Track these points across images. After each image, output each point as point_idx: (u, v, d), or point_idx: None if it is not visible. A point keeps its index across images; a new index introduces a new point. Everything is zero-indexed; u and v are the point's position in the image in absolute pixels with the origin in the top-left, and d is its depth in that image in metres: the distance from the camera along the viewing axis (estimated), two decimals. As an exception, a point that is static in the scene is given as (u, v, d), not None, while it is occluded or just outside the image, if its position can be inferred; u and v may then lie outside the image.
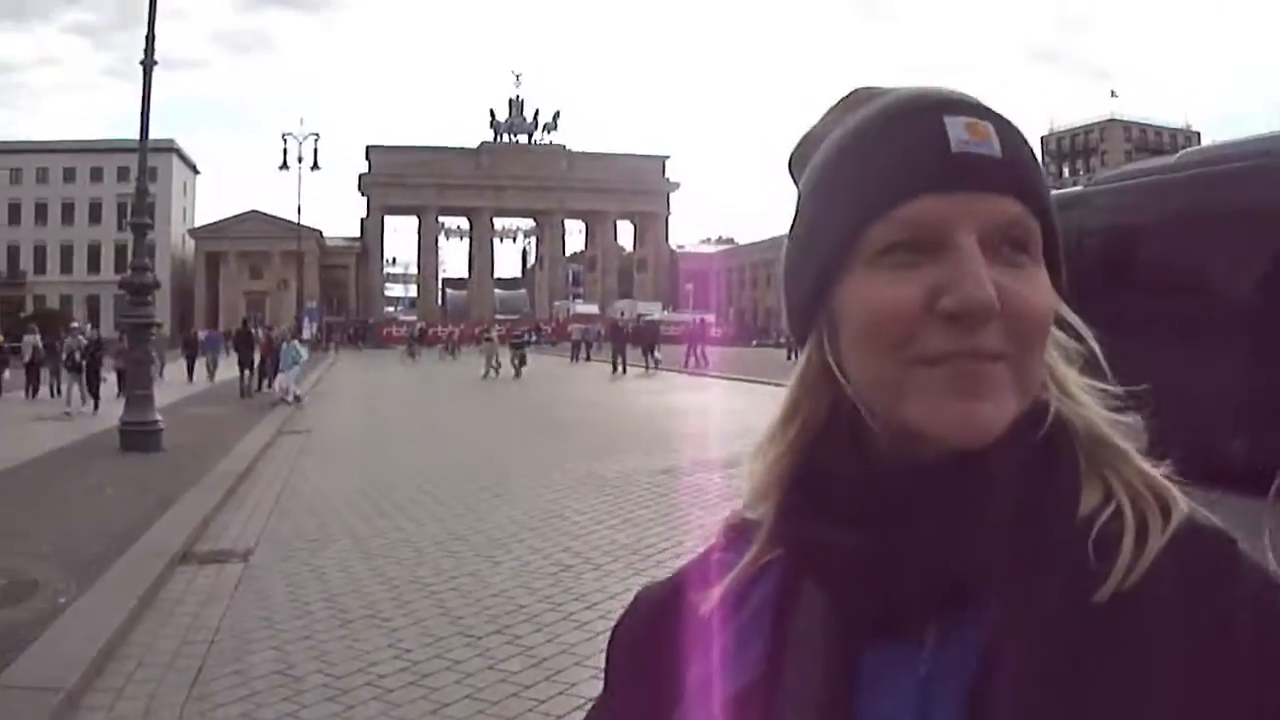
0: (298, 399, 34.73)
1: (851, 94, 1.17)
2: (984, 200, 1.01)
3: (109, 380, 32.87)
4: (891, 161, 1.04)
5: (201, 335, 57.51)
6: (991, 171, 1.02)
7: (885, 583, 1.02)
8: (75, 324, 39.29)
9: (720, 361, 51.55)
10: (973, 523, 1.00)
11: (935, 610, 1.02)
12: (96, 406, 31.08)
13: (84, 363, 32.72)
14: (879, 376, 1.03)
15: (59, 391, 33.22)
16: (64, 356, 34.38)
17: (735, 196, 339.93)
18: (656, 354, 55.62)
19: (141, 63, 21.81)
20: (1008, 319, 0.99)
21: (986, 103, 1.08)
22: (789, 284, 1.16)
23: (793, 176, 1.20)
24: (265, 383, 38.94)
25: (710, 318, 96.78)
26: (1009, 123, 1.07)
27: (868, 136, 1.08)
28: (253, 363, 42.11)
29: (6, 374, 40.33)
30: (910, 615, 1.03)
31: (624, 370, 52.03)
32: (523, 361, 53.10)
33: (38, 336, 38.89)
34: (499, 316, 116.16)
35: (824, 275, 1.08)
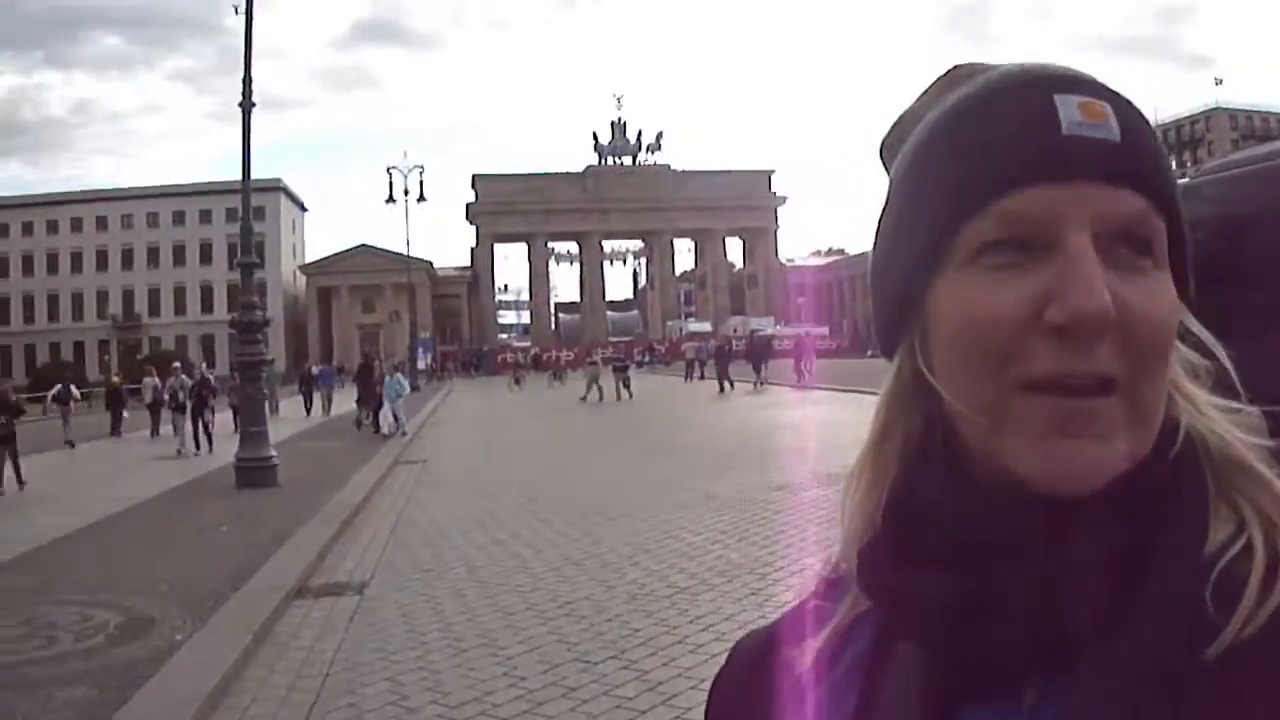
0: (404, 433, 34.43)
1: (951, 70, 1.02)
2: (1100, 192, 0.87)
3: (214, 419, 33.24)
4: (992, 146, 0.90)
5: (315, 370, 57.75)
6: (1110, 158, 0.87)
7: (978, 637, 0.88)
8: (177, 364, 38.66)
9: (831, 374, 51.03)
10: (1080, 571, 0.86)
11: (1036, 668, 0.88)
12: (210, 446, 30.95)
13: (189, 403, 32.70)
14: (975, 399, 0.89)
15: (177, 431, 32.57)
16: (167, 397, 34.86)
17: (844, 206, 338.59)
18: (764, 370, 55.11)
19: (240, 104, 22.14)
20: (1125, 334, 0.85)
21: (1103, 81, 0.93)
22: (875, 285, 1.03)
23: (884, 164, 1.06)
24: (368, 416, 38.20)
25: (821, 330, 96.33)
26: (1129, 103, 0.92)
27: (966, 118, 0.94)
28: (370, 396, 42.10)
29: (126, 414, 41.13)
30: (1008, 673, 0.89)
31: (731, 387, 51.69)
32: (626, 384, 52.40)
33: (156, 378, 39.32)
34: (612, 339, 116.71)
35: (914, 276, 0.95)
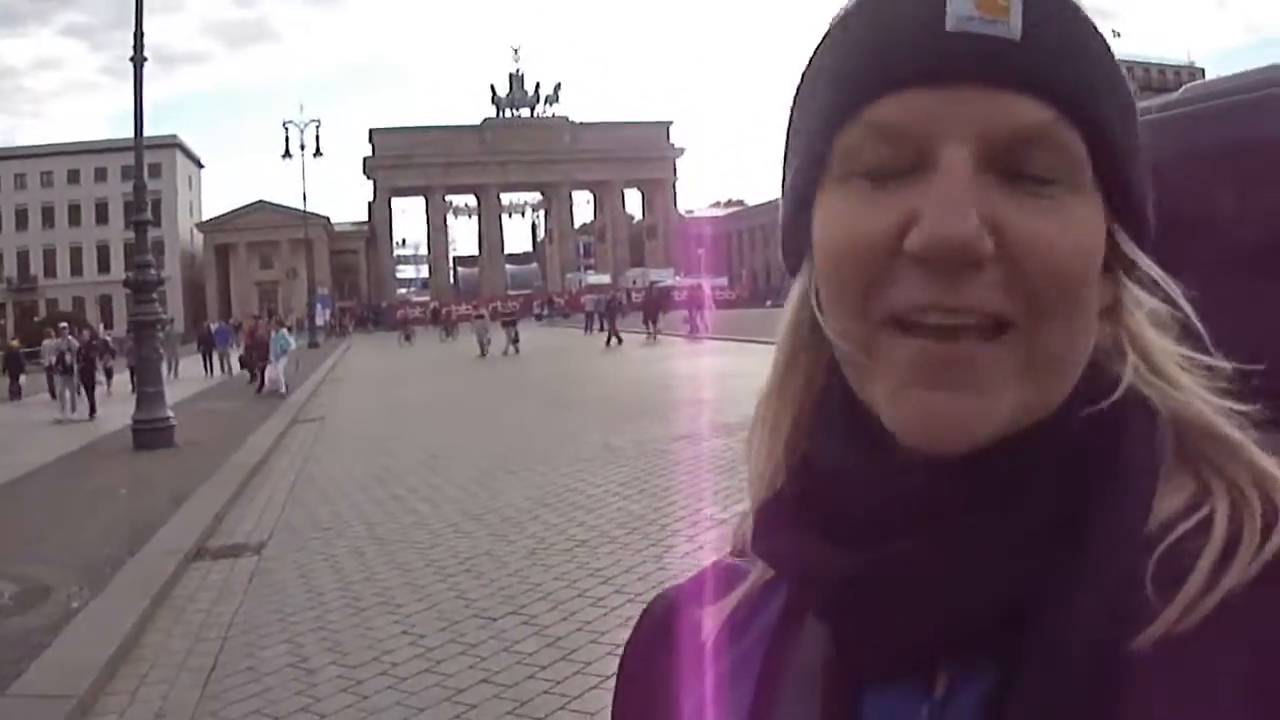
0: (284, 390, 33.58)
1: None
2: (988, 98, 0.74)
3: (109, 382, 33.25)
4: (870, 45, 0.79)
5: (213, 328, 55.48)
6: (1002, 58, 0.74)
7: (879, 616, 0.78)
8: (64, 325, 38.13)
9: (729, 325, 50.92)
10: (990, 542, 0.76)
11: (948, 650, 0.78)
12: (93, 411, 30.29)
13: (76, 366, 31.79)
14: (845, 337, 0.79)
15: (56, 396, 31.95)
16: (53, 360, 33.82)
17: (743, 158, 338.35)
18: (657, 323, 54.61)
19: (132, 59, 21.78)
20: (1011, 267, 0.73)
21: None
22: (781, 204, 0.89)
23: None
24: (255, 375, 37.22)
25: (720, 281, 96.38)
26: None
27: (855, 13, 0.81)
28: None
29: (24, 378, 40.54)
30: (915, 656, 0.79)
31: (619, 341, 51.01)
32: (515, 340, 51.24)
33: (57, 340, 38.87)
34: (510, 292, 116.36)
35: (799, 195, 0.84)
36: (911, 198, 0.74)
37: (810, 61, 0.86)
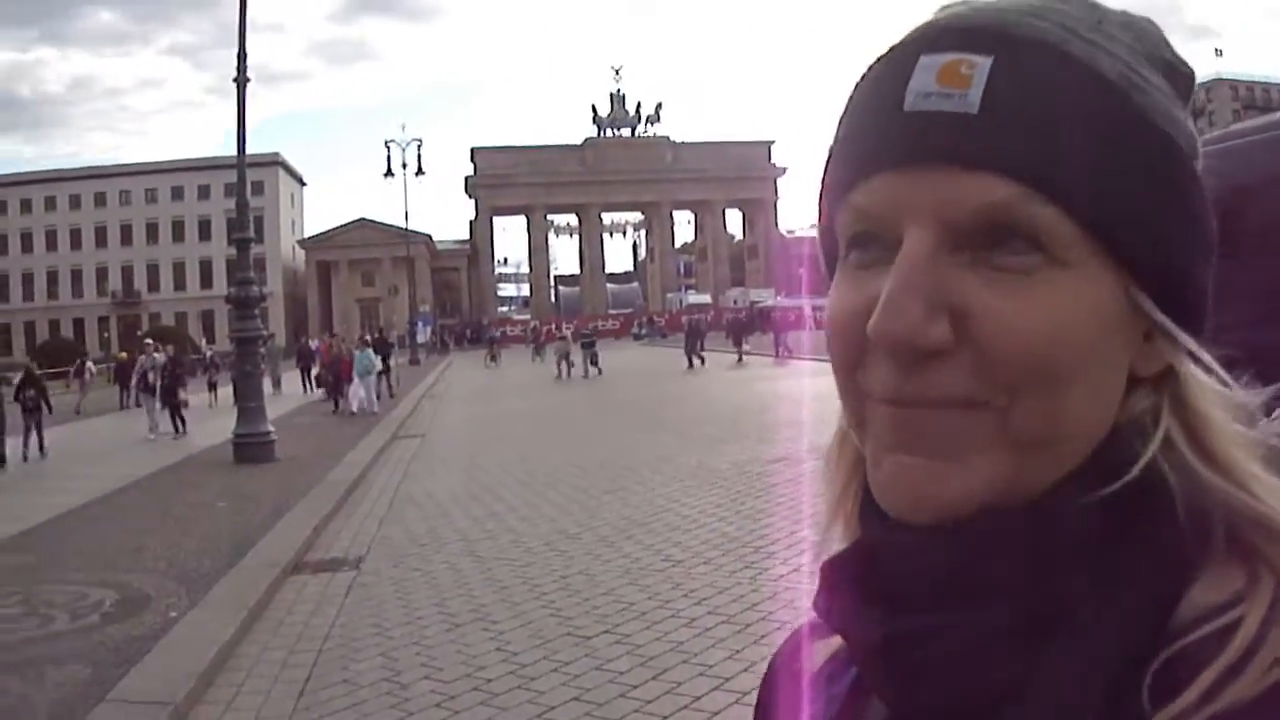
0: (374, 412, 32.77)
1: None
2: (947, 178, 0.73)
3: (211, 395, 33.38)
4: (852, 130, 0.80)
5: (314, 344, 54.61)
6: (957, 134, 0.72)
7: (904, 681, 0.77)
8: (149, 341, 36.77)
9: (821, 346, 50.52)
10: (978, 625, 0.74)
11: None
12: (177, 430, 29.35)
13: (159, 384, 30.46)
14: (846, 407, 0.82)
15: (150, 413, 30.80)
16: (136, 378, 33.27)
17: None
18: (746, 345, 54.04)
19: (235, 79, 22.12)
20: (977, 351, 0.72)
21: (1019, 20, 0.75)
22: None
23: None
24: (334, 397, 36.05)
25: (819, 302, 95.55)
26: (1038, 44, 0.74)
27: (854, 93, 0.82)
28: (388, 368, 43.00)
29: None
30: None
31: (702, 364, 50.14)
32: (594, 360, 49.67)
33: (153, 355, 39.88)
34: (612, 311, 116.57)
35: (826, 271, 0.87)
36: (881, 282, 0.73)
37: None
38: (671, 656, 8.19)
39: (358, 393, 33.64)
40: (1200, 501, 0.74)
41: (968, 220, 0.72)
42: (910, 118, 0.74)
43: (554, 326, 76.22)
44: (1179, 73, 0.79)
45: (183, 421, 29.74)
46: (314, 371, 41.88)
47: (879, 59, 0.80)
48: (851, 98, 0.82)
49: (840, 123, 0.83)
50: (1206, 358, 0.76)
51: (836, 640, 0.90)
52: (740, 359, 52.29)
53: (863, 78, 0.81)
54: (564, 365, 49.75)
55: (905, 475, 0.74)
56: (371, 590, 11.03)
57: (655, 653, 8.31)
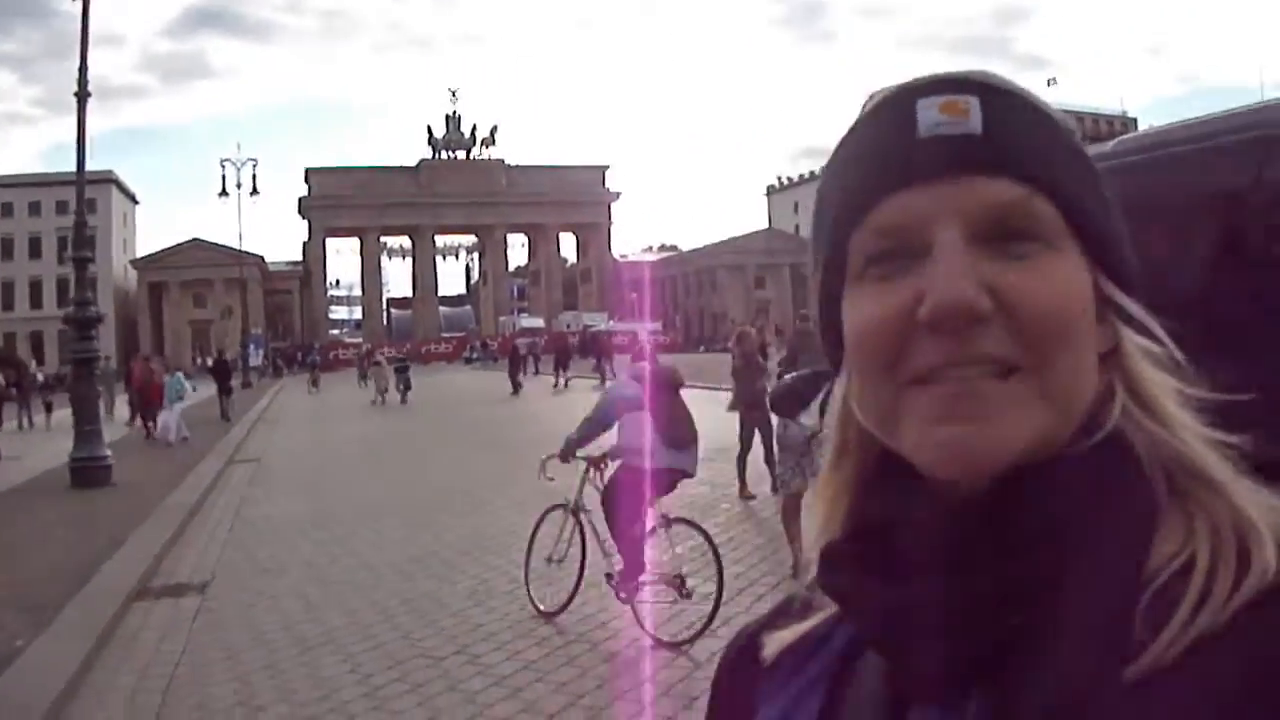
0: (185, 439, 30.18)
1: (868, 99, 1.00)
2: (965, 186, 0.89)
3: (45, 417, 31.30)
4: (863, 161, 0.95)
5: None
6: (970, 151, 0.90)
7: (914, 643, 0.90)
8: None
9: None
10: (990, 578, 0.87)
11: (979, 674, 0.87)
12: None
13: None
14: (876, 405, 0.94)
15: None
16: None
17: (677, 203, 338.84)
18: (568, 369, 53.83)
19: (75, 94, 21.76)
20: (1009, 320, 0.87)
21: (987, 76, 0.95)
22: (816, 309, 1.04)
23: None
24: (146, 423, 34.12)
25: (653, 326, 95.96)
26: (1008, 92, 0.94)
27: (848, 137, 0.99)
28: (228, 390, 42.88)
29: None
30: (945, 679, 0.89)
31: (520, 388, 49.93)
32: (407, 386, 49.03)
33: None
34: (445, 334, 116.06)
35: (827, 292, 1.00)
36: (916, 281, 0.88)
37: (822, 177, 1.02)
38: (526, 675, 8.35)
39: (167, 421, 31.50)
40: (1153, 457, 0.91)
41: (985, 217, 0.89)
42: (927, 142, 0.91)
43: (376, 351, 74.16)
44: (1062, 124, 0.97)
45: None
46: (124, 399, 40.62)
47: (869, 111, 0.98)
48: (843, 146, 0.99)
49: (832, 170, 1.00)
50: (1141, 314, 0.95)
51: (793, 632, 1.06)
52: (563, 384, 51.76)
53: (851, 130, 0.99)
54: (381, 390, 49.26)
55: (958, 441, 0.87)
56: (219, 615, 10.99)
57: (508, 672, 8.46)
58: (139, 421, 35.03)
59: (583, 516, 10.25)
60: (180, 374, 34.17)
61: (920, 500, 0.92)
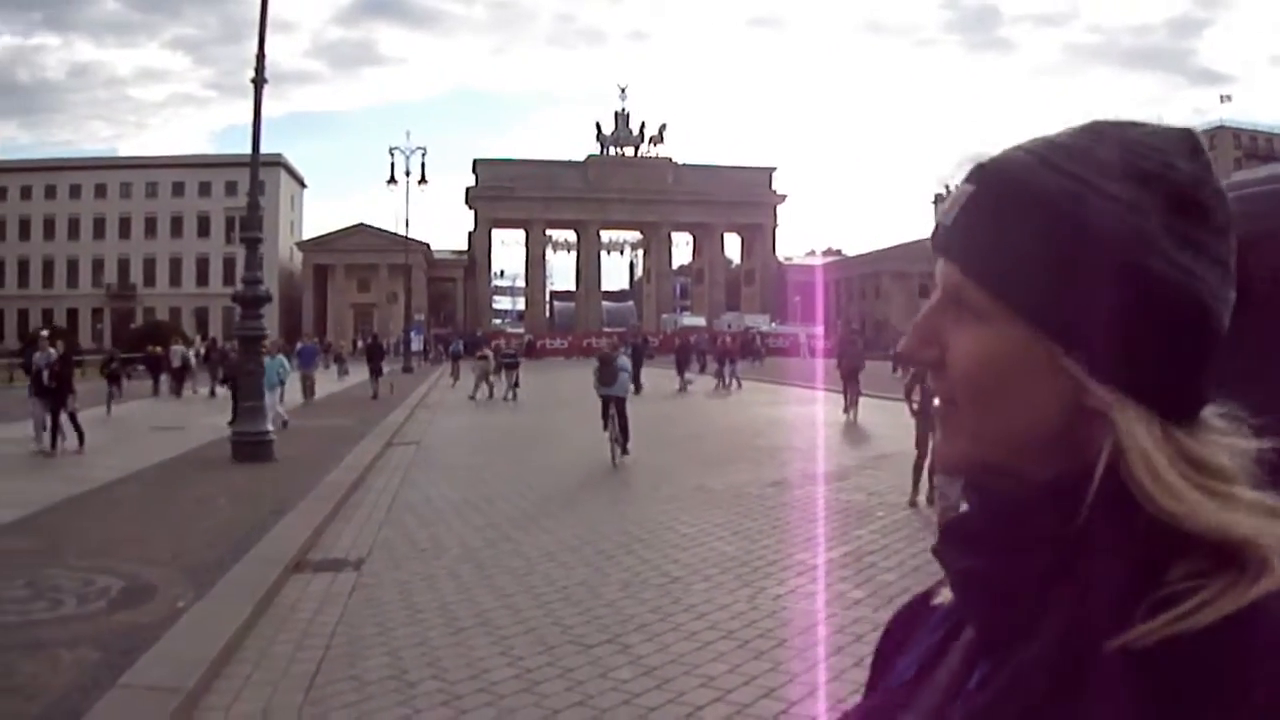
0: (284, 424, 28.00)
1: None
2: (943, 264, 1.10)
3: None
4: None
5: (299, 347, 49.63)
6: (939, 239, 1.11)
7: (965, 602, 1.12)
8: (45, 333, 28.97)
9: (828, 375, 49.81)
10: (990, 557, 1.06)
11: (1012, 638, 1.02)
12: (55, 444, 23.85)
13: (53, 385, 24.11)
14: None
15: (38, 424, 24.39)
16: (31, 379, 25.35)
17: (843, 207, 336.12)
18: (729, 372, 51.67)
19: (252, 80, 22.27)
20: (947, 368, 1.08)
21: (997, 164, 1.07)
22: None
23: None
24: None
25: (815, 330, 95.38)
26: (1002, 183, 1.05)
27: None
28: (379, 372, 44.91)
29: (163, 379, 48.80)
30: (985, 638, 1.08)
31: (684, 388, 49.83)
32: (515, 383, 45.54)
33: (184, 346, 41.78)
34: (606, 329, 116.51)
35: None
36: None
37: None
38: (674, 668, 8.34)
39: (273, 406, 27.63)
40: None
41: (948, 290, 1.09)
42: (937, 227, 1.12)
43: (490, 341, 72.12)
44: (1154, 177, 1.01)
45: (55, 431, 24.13)
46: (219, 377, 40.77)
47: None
48: None
49: None
50: (1091, 381, 1.01)
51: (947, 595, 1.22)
52: (723, 385, 50.77)
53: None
54: (479, 385, 46.12)
55: (938, 447, 1.13)
56: (374, 592, 11.14)
57: (657, 663, 8.46)
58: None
59: None
60: (281, 356, 32.01)
61: (966, 492, 1.14)
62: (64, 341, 26.84)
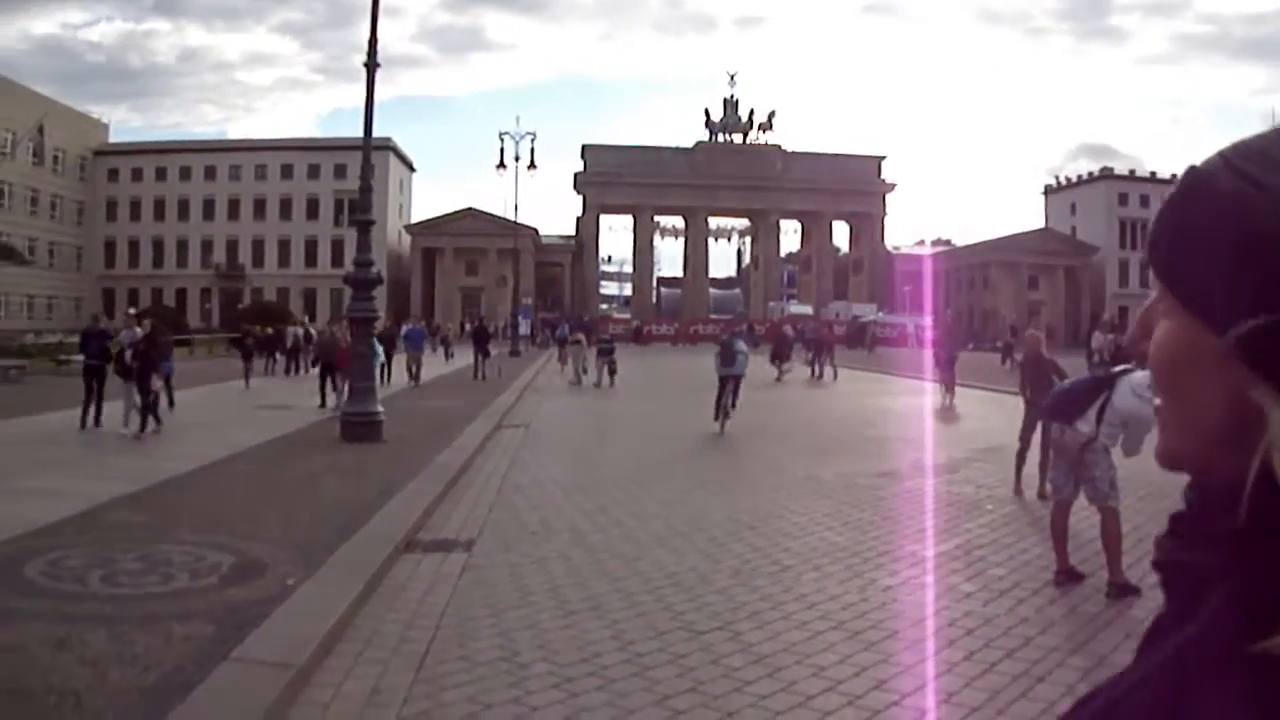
0: (337, 409, 26.11)
1: None
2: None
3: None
4: None
5: (404, 329, 48.98)
6: (1149, 246, 1.12)
7: (1166, 586, 1.12)
8: (131, 312, 30.41)
9: (906, 363, 49.37)
10: (1189, 551, 1.07)
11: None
12: (143, 426, 22.67)
13: (136, 365, 23.18)
14: None
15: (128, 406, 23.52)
16: (113, 355, 24.41)
17: (952, 197, 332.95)
18: (821, 361, 51.30)
19: (365, 64, 22.43)
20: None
21: (1193, 171, 1.08)
22: None
23: None
24: (323, 390, 31.33)
25: (923, 320, 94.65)
26: (1198, 192, 1.06)
27: None
28: (486, 353, 46.03)
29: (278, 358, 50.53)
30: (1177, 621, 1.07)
31: (779, 378, 47.85)
32: (612, 369, 44.21)
33: (297, 327, 42.59)
34: (713, 315, 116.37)
35: None
36: None
37: None
38: (784, 657, 8.27)
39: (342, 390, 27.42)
40: None
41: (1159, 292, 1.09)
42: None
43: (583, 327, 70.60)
44: None
45: (146, 414, 23.07)
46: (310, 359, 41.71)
47: None
48: None
49: None
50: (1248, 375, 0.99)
51: None
52: (818, 375, 50.48)
53: None
54: (579, 371, 45.81)
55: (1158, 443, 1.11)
56: (484, 573, 11.15)
57: (768, 652, 8.39)
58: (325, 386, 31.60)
59: None
60: (374, 339, 26.52)
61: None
62: (151, 321, 26.21)
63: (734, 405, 26.36)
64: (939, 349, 38.15)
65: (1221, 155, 1.05)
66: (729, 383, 26.65)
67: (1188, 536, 1.08)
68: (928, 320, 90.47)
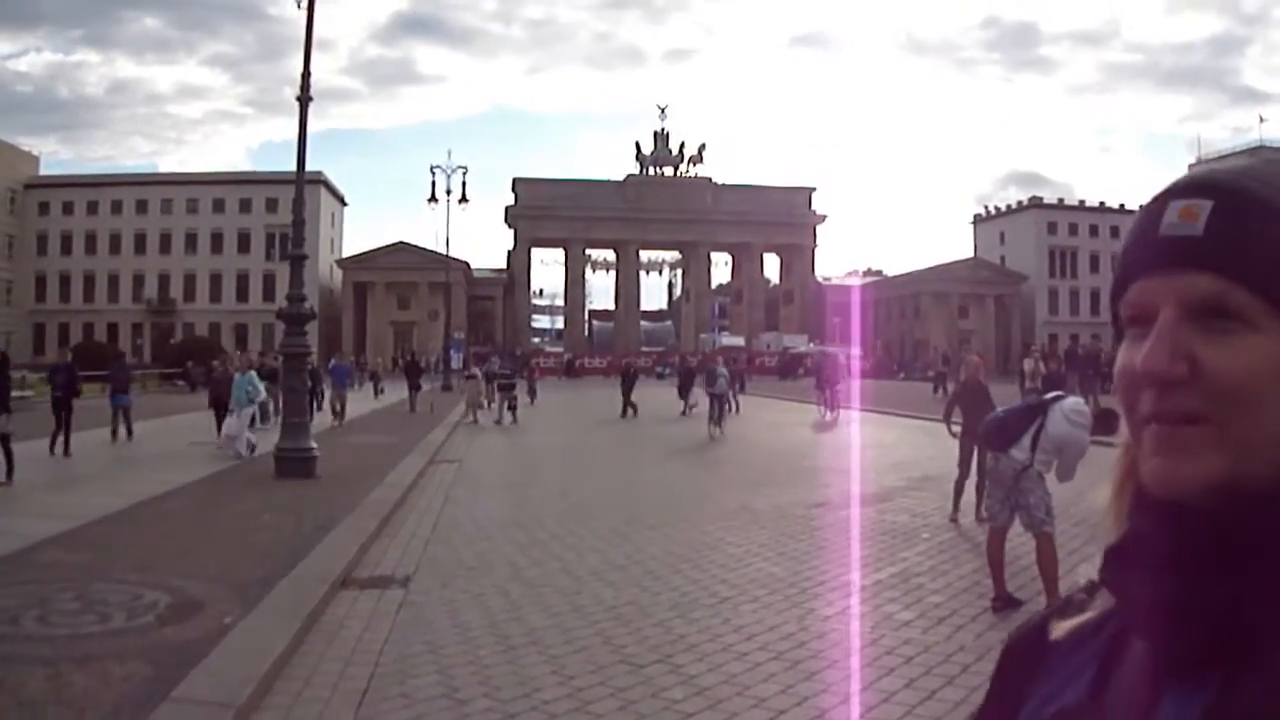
0: (251, 449, 25.38)
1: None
2: (1182, 278, 1.09)
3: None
4: (1127, 249, 1.18)
5: (330, 364, 47.20)
6: (1189, 251, 1.09)
7: (1154, 628, 1.11)
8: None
9: (865, 395, 49.16)
10: (1216, 581, 1.05)
11: (1213, 660, 1.05)
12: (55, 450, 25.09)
13: (60, 395, 26.07)
14: (1129, 430, 1.16)
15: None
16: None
17: (883, 227, 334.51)
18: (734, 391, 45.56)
19: (298, 98, 22.49)
20: (1204, 383, 1.06)
21: (1231, 179, 1.12)
22: None
23: None
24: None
25: (853, 351, 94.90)
26: (1242, 193, 1.10)
27: (1131, 226, 1.21)
28: (417, 387, 46.20)
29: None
30: (1189, 661, 1.07)
31: (633, 412, 44.77)
32: (511, 406, 42.40)
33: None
34: (645, 348, 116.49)
35: (1117, 333, 1.21)
36: (1145, 344, 1.10)
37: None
38: (725, 689, 8.30)
39: (231, 430, 26.42)
40: None
41: (1195, 302, 1.08)
42: (1162, 241, 1.12)
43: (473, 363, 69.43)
44: None
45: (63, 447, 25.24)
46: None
47: (1145, 206, 1.18)
48: (1131, 230, 1.19)
49: (1120, 246, 1.21)
50: None
51: (1075, 621, 1.26)
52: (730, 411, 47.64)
53: (1135, 218, 1.20)
54: (474, 409, 43.07)
55: (1162, 470, 1.09)
56: (422, 610, 11.12)
57: (709, 684, 8.41)
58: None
59: None
60: (253, 373, 28.21)
61: (1154, 516, 1.13)
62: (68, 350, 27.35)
63: (724, 413, 36.11)
64: (820, 375, 46.05)
65: (1242, 172, 1.12)
66: (715, 400, 35.74)
67: (1173, 565, 1.08)
68: (857, 350, 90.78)
